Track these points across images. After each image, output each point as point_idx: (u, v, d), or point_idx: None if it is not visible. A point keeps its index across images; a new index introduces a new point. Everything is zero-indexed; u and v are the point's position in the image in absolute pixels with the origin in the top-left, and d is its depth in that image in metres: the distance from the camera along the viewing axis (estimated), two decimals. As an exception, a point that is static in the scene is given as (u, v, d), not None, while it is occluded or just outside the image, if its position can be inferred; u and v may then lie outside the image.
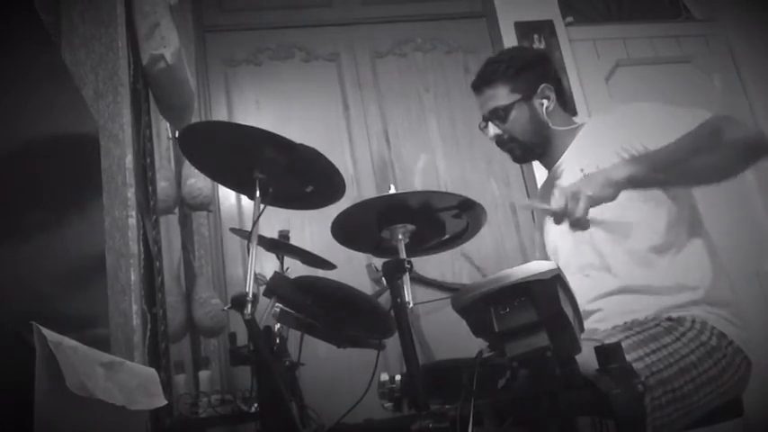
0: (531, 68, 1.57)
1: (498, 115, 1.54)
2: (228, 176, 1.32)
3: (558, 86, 1.58)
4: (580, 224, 1.19)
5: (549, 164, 1.61)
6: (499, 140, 1.57)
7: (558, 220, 1.22)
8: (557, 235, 1.54)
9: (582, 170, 1.45)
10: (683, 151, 1.25)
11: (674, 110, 1.41)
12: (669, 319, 1.31)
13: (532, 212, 2.52)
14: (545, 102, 1.54)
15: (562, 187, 1.22)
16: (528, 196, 2.71)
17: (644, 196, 1.36)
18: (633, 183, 1.22)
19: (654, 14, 3.27)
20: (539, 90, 1.54)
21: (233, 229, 1.57)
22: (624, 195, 1.23)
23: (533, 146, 1.56)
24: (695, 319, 1.30)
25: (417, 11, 3.03)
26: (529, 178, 2.76)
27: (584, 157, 1.46)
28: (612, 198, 1.19)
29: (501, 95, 1.54)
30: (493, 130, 1.56)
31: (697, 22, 3.26)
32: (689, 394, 1.19)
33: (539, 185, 2.02)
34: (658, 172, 1.24)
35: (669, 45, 3.15)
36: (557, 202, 1.20)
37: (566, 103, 1.62)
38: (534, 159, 1.64)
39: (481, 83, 1.58)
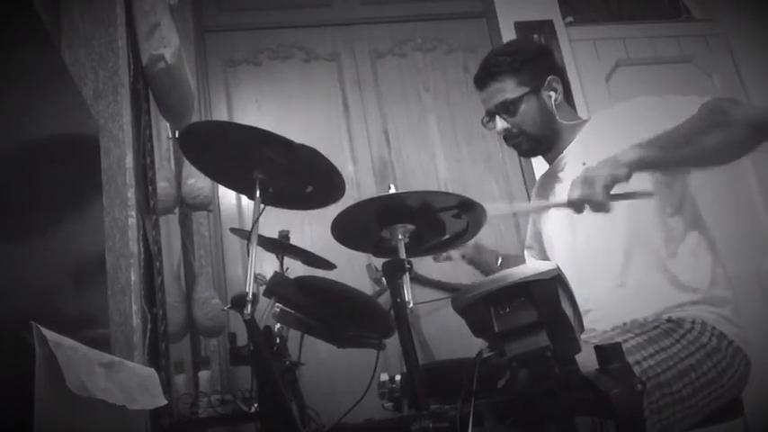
0: (536, 60, 1.55)
1: (507, 109, 1.52)
2: (228, 176, 1.31)
3: (563, 79, 1.57)
4: (602, 207, 1.17)
5: (551, 158, 1.60)
6: (507, 135, 1.55)
7: (578, 209, 1.21)
8: (554, 228, 1.54)
9: (584, 164, 1.45)
10: (694, 130, 1.23)
11: (674, 99, 1.40)
12: (669, 320, 1.30)
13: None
14: (553, 94, 1.53)
15: (575, 179, 1.21)
16: (528, 195, 2.71)
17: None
18: (643, 165, 1.20)
19: (654, 14, 3.27)
20: (546, 82, 1.53)
21: (233, 229, 1.57)
22: (627, 202, 1.23)
23: (542, 139, 1.55)
24: (695, 320, 1.30)
25: (417, 11, 3.03)
26: (528, 177, 2.76)
27: (588, 152, 1.46)
28: (627, 178, 1.17)
29: (508, 89, 1.52)
30: (501, 124, 1.53)
31: (697, 22, 3.26)
32: (687, 397, 1.19)
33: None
34: (669, 152, 1.22)
35: (669, 45, 3.15)
36: (574, 192, 1.19)
37: (570, 97, 1.61)
38: (541, 153, 1.61)
39: (486, 77, 1.55)
